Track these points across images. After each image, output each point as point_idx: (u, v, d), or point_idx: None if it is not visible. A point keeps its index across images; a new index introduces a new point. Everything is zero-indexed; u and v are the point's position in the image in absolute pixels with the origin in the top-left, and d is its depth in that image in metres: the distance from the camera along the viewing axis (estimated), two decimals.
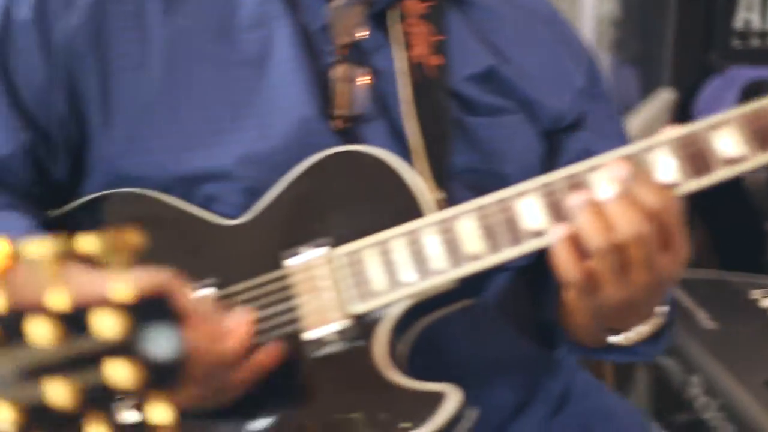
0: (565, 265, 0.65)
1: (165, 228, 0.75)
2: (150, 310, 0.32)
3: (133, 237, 0.32)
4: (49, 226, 0.77)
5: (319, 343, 0.70)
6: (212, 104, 0.77)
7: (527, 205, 0.68)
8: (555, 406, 0.85)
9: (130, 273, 0.32)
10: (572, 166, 0.69)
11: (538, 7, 0.93)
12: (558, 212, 0.67)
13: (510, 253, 0.69)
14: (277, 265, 0.72)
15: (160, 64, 0.77)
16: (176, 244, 0.75)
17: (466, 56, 0.83)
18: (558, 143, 0.86)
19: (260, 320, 0.69)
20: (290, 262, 0.72)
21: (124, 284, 0.31)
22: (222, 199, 0.76)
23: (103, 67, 0.77)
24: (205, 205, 0.76)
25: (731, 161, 0.68)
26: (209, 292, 0.71)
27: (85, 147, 0.79)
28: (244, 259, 0.74)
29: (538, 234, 0.68)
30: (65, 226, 0.78)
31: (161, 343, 0.31)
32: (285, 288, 0.71)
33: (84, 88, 0.77)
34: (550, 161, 0.83)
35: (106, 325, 0.30)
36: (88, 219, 0.78)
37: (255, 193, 0.75)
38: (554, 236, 0.66)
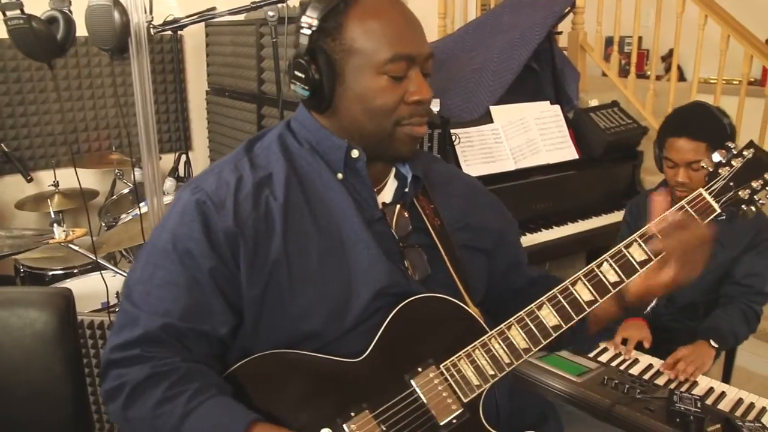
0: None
1: (315, 373, 1.08)
2: None
3: None
4: None
5: (449, 425, 1.07)
6: (320, 282, 1.09)
7: (545, 312, 1.11)
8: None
9: None
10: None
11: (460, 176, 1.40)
12: (563, 312, 1.11)
13: (537, 349, 1.11)
14: (404, 384, 1.08)
15: (284, 254, 1.07)
16: (329, 383, 1.07)
17: (448, 215, 1.26)
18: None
19: (409, 424, 1.05)
20: (415, 381, 1.08)
21: None
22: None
23: (250, 259, 1.06)
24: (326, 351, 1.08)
25: None
26: (365, 414, 1.04)
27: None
28: (378, 385, 1.07)
29: (557, 327, 1.11)
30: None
31: None
32: (417, 398, 1.07)
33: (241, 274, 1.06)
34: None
35: None
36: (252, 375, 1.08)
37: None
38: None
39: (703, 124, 1.99)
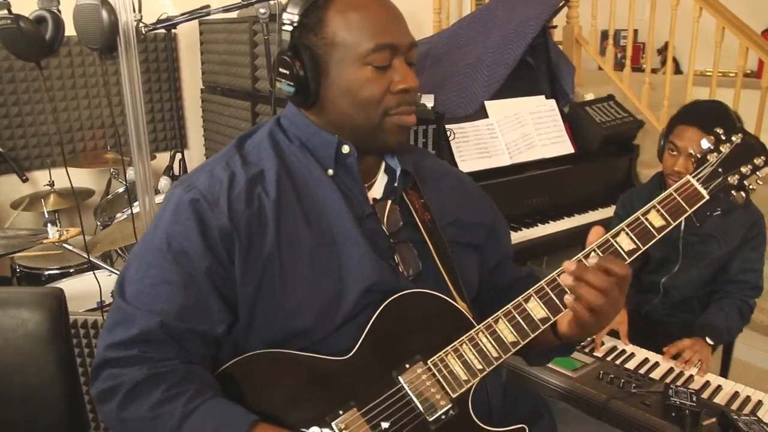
0: (575, 310, 1.04)
1: (303, 372, 1.07)
2: None
3: None
4: None
5: (438, 420, 1.06)
6: (311, 279, 1.08)
7: (532, 305, 1.10)
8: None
9: None
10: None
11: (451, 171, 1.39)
12: (551, 303, 1.09)
13: (530, 337, 1.10)
14: (392, 380, 1.07)
15: (276, 250, 1.06)
16: (317, 382, 1.06)
17: (438, 210, 1.25)
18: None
19: (397, 421, 1.04)
20: (402, 378, 1.07)
21: None
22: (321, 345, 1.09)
23: (244, 257, 1.05)
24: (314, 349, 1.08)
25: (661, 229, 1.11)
26: (353, 411, 1.04)
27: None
28: (366, 382, 1.07)
29: (545, 320, 1.10)
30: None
31: None
32: (405, 395, 1.07)
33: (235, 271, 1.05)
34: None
35: None
36: (239, 376, 1.07)
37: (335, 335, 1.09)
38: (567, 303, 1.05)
39: (718, 121, 1.97)
